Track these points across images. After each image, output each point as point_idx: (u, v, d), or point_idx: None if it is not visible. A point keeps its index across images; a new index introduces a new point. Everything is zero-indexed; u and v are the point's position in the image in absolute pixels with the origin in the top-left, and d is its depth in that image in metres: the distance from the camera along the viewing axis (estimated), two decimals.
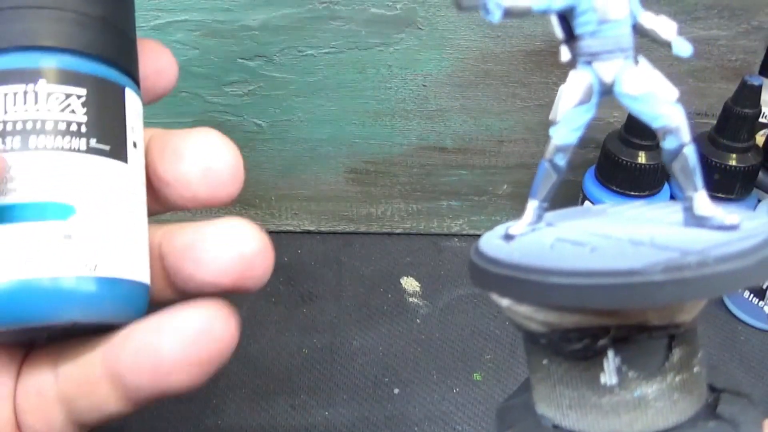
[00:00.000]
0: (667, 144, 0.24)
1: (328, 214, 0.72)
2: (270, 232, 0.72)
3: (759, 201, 0.62)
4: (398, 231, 0.73)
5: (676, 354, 0.24)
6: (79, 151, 0.28)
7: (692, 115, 0.63)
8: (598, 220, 0.27)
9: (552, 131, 0.26)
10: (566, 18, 0.26)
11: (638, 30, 0.25)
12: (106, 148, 0.29)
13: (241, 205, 0.70)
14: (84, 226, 0.28)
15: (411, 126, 0.65)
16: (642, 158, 0.57)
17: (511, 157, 0.67)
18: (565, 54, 0.27)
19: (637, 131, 0.56)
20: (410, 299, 0.65)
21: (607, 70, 0.25)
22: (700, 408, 0.25)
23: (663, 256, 0.21)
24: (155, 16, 0.59)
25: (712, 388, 0.26)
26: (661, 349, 0.24)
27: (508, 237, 0.27)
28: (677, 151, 0.24)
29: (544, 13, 0.26)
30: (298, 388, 0.57)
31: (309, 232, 0.73)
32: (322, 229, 0.73)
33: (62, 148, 0.27)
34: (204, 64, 0.61)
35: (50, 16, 0.28)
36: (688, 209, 0.24)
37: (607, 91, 0.26)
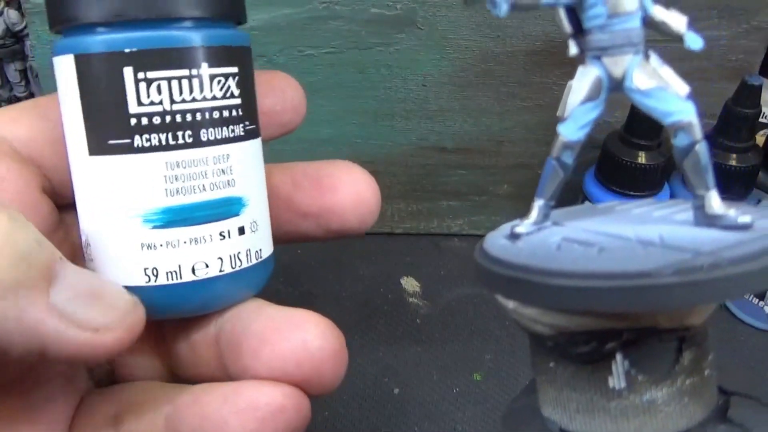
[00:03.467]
0: (678, 141, 0.24)
1: None
2: None
3: (759, 201, 0.62)
4: (398, 231, 0.73)
5: (686, 357, 0.23)
6: (240, 138, 0.29)
7: None
8: (605, 219, 0.27)
9: (560, 128, 0.26)
10: (575, 11, 0.25)
11: (648, 23, 0.25)
12: (254, 126, 0.30)
13: None
14: (252, 216, 0.29)
15: (411, 126, 0.65)
16: (642, 158, 0.56)
17: (511, 157, 0.67)
18: (573, 48, 0.26)
19: (637, 131, 0.56)
20: (410, 299, 0.65)
21: (617, 65, 0.25)
22: (710, 412, 0.24)
23: (674, 257, 0.20)
24: None
25: (723, 391, 0.25)
26: (670, 353, 0.23)
27: (514, 236, 0.26)
28: (689, 149, 0.23)
29: (553, 6, 0.25)
30: None
31: None
32: None
33: (229, 138, 0.28)
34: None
35: None
36: (699, 208, 0.24)
37: (616, 87, 0.25)
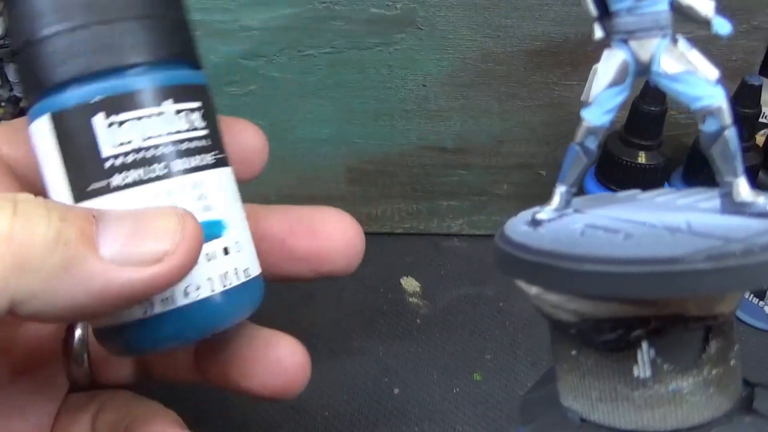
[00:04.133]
0: (707, 127, 0.23)
1: None
2: None
3: None
4: (398, 231, 0.72)
5: (713, 346, 0.23)
6: (211, 166, 0.30)
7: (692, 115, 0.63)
8: (627, 206, 0.27)
9: (584, 113, 0.25)
10: None
11: (675, 8, 0.24)
12: (223, 156, 0.31)
13: None
14: (234, 237, 0.30)
15: (411, 126, 0.65)
16: (642, 158, 0.56)
17: (511, 157, 0.67)
18: (598, 32, 0.25)
19: (637, 131, 0.56)
20: (410, 299, 0.65)
21: (644, 48, 0.24)
22: (735, 402, 0.24)
23: (704, 243, 0.20)
24: None
25: (747, 382, 0.25)
26: (697, 342, 0.23)
27: (536, 223, 0.26)
28: (717, 134, 0.23)
29: None
30: None
31: None
32: None
33: (201, 167, 0.29)
34: (204, 64, 0.61)
35: (154, 27, 0.29)
36: (727, 195, 0.24)
37: (643, 71, 0.25)
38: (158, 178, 0.28)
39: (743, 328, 0.62)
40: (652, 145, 0.57)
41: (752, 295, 0.61)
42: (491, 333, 0.62)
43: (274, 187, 0.68)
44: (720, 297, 0.23)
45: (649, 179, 0.57)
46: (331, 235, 0.36)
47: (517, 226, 0.26)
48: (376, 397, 0.56)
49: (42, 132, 0.29)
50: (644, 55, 0.24)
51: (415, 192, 0.70)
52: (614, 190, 0.57)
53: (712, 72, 0.24)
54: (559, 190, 0.27)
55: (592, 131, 0.25)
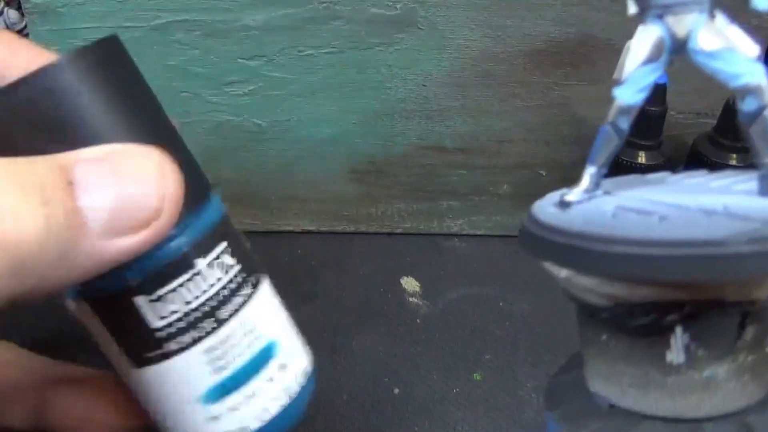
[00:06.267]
0: (746, 106, 0.23)
1: (328, 214, 0.71)
2: (270, 232, 0.71)
3: None
4: (398, 231, 0.72)
5: (749, 333, 0.23)
6: (251, 295, 0.30)
7: (692, 115, 0.64)
8: (658, 188, 0.26)
9: (616, 91, 0.25)
10: None
11: None
12: (257, 275, 0.31)
13: (241, 205, 0.69)
14: (285, 349, 0.31)
15: (411, 126, 0.65)
16: (642, 158, 0.57)
17: (511, 157, 0.67)
18: (632, 7, 0.25)
19: (638, 131, 0.56)
20: (410, 299, 0.65)
21: (681, 24, 0.24)
22: None
23: (743, 226, 0.20)
24: (155, 15, 0.58)
25: None
26: (732, 327, 0.23)
27: (564, 204, 0.25)
28: (757, 114, 0.22)
29: None
30: None
31: (309, 232, 0.72)
32: (322, 229, 0.72)
33: (243, 303, 0.29)
34: (204, 64, 0.61)
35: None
36: (765, 177, 0.23)
37: (679, 48, 0.24)
38: (209, 333, 0.28)
39: None
40: (652, 145, 0.57)
41: None
42: (491, 333, 0.62)
43: (274, 186, 0.68)
44: (760, 281, 0.22)
45: None
46: None
47: (546, 208, 0.25)
48: (376, 397, 0.56)
49: (83, 311, 0.29)
50: (681, 31, 0.24)
51: (415, 192, 0.70)
52: None
53: (752, 48, 0.23)
54: (589, 171, 0.26)
55: (624, 110, 0.25)
